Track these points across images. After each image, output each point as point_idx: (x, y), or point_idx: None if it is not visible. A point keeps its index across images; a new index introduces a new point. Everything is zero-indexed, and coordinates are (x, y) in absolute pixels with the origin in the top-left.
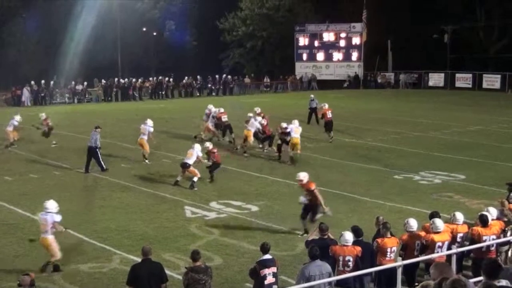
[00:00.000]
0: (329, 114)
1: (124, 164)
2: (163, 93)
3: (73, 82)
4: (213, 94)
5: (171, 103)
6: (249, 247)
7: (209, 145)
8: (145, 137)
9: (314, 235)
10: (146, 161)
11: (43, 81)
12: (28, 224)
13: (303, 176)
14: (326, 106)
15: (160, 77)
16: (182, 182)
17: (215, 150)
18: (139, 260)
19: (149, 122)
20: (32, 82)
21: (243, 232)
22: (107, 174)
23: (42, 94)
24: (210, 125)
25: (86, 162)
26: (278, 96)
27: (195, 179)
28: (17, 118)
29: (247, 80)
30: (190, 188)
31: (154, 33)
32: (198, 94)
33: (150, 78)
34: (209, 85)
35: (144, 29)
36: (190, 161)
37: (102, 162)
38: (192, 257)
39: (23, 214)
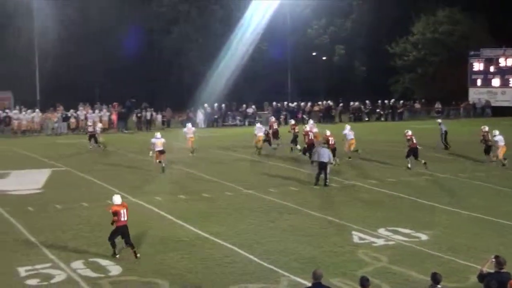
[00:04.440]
0: (415, 140)
1: (293, 187)
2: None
3: (244, 105)
4: (382, 119)
5: (339, 128)
6: (418, 276)
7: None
8: None
9: (486, 267)
10: None
11: (215, 104)
12: (199, 241)
13: None
14: (410, 132)
15: (329, 101)
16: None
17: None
18: (307, 283)
19: None
20: (205, 105)
21: (412, 261)
22: (276, 196)
23: (216, 116)
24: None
25: (318, 176)
26: (450, 123)
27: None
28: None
29: (417, 105)
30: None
31: (324, 58)
32: (366, 119)
33: (319, 102)
34: (378, 110)
35: (314, 53)
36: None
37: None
38: (361, 283)
39: (195, 232)
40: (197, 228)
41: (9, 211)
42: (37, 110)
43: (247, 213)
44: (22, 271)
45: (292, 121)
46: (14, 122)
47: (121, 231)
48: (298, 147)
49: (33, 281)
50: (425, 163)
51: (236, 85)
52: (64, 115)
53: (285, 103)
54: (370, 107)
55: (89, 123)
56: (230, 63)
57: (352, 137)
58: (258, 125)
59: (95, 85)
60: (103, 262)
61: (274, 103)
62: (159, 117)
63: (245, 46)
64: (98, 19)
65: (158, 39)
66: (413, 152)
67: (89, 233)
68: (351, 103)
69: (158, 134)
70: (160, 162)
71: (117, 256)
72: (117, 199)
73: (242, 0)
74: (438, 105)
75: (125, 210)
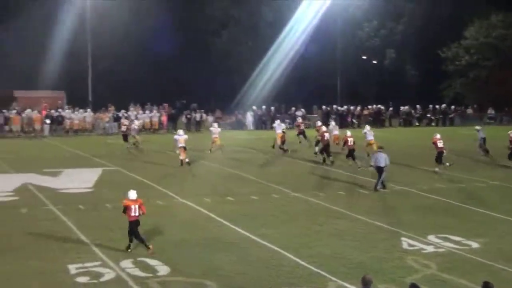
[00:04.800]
0: (440, 144)
1: (341, 191)
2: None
3: (293, 108)
4: (433, 124)
5: (389, 132)
6: (468, 284)
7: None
8: None
9: None
10: None
11: (264, 107)
12: (247, 243)
13: None
14: (438, 136)
15: (379, 105)
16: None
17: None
18: None
19: None
20: (254, 107)
21: (462, 269)
22: (323, 200)
23: (264, 119)
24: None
25: (379, 180)
26: (503, 129)
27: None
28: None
29: (469, 111)
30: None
31: (374, 61)
32: (417, 124)
33: (369, 106)
34: (428, 115)
35: (364, 57)
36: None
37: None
38: None
39: (243, 234)
40: (244, 230)
41: (60, 209)
42: (89, 110)
43: (294, 216)
44: (73, 268)
45: (319, 123)
46: (66, 121)
47: (133, 225)
48: (316, 148)
49: (83, 279)
50: (450, 164)
51: (285, 88)
52: (115, 115)
53: (334, 106)
54: (421, 112)
55: (125, 123)
56: (279, 65)
57: (372, 137)
58: (277, 122)
59: (146, 86)
60: (152, 262)
61: (324, 106)
62: (210, 118)
63: (294, 48)
64: (150, 21)
65: (209, 42)
66: (440, 156)
67: None
68: (401, 107)
69: (181, 132)
70: (184, 158)
71: (150, 247)
72: (132, 194)
73: (292, 1)
74: (490, 111)
75: (137, 206)
